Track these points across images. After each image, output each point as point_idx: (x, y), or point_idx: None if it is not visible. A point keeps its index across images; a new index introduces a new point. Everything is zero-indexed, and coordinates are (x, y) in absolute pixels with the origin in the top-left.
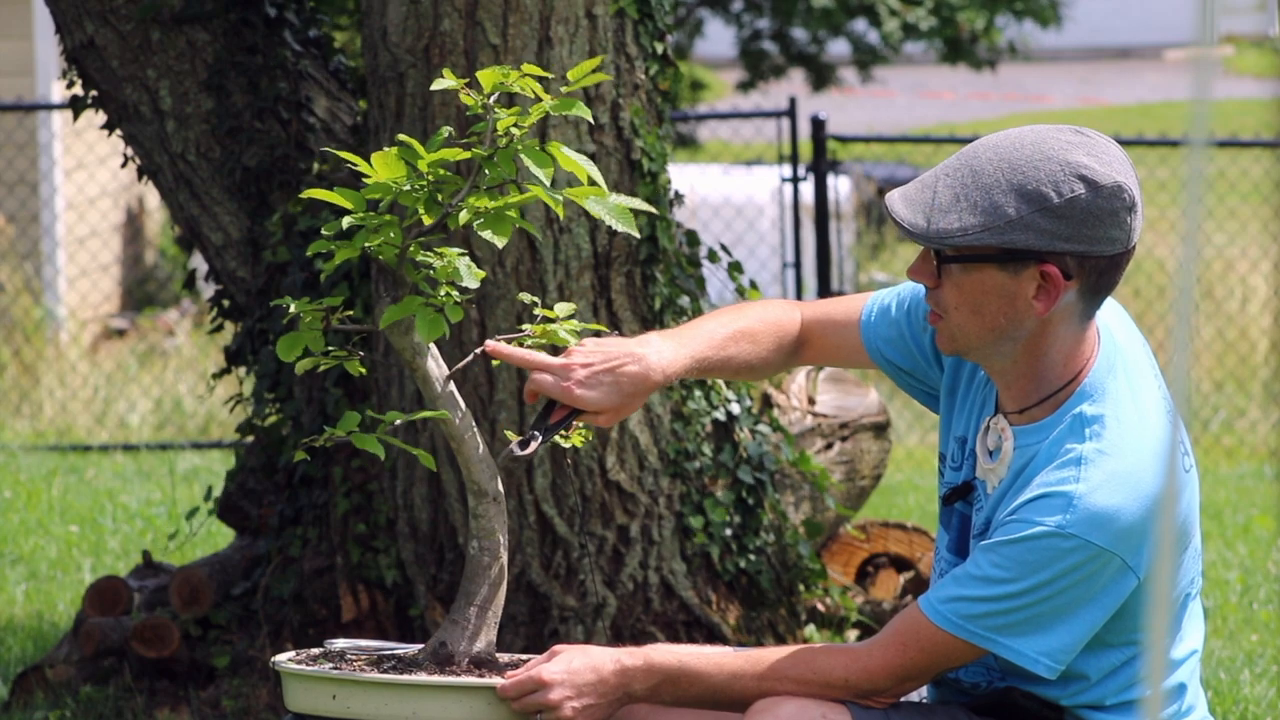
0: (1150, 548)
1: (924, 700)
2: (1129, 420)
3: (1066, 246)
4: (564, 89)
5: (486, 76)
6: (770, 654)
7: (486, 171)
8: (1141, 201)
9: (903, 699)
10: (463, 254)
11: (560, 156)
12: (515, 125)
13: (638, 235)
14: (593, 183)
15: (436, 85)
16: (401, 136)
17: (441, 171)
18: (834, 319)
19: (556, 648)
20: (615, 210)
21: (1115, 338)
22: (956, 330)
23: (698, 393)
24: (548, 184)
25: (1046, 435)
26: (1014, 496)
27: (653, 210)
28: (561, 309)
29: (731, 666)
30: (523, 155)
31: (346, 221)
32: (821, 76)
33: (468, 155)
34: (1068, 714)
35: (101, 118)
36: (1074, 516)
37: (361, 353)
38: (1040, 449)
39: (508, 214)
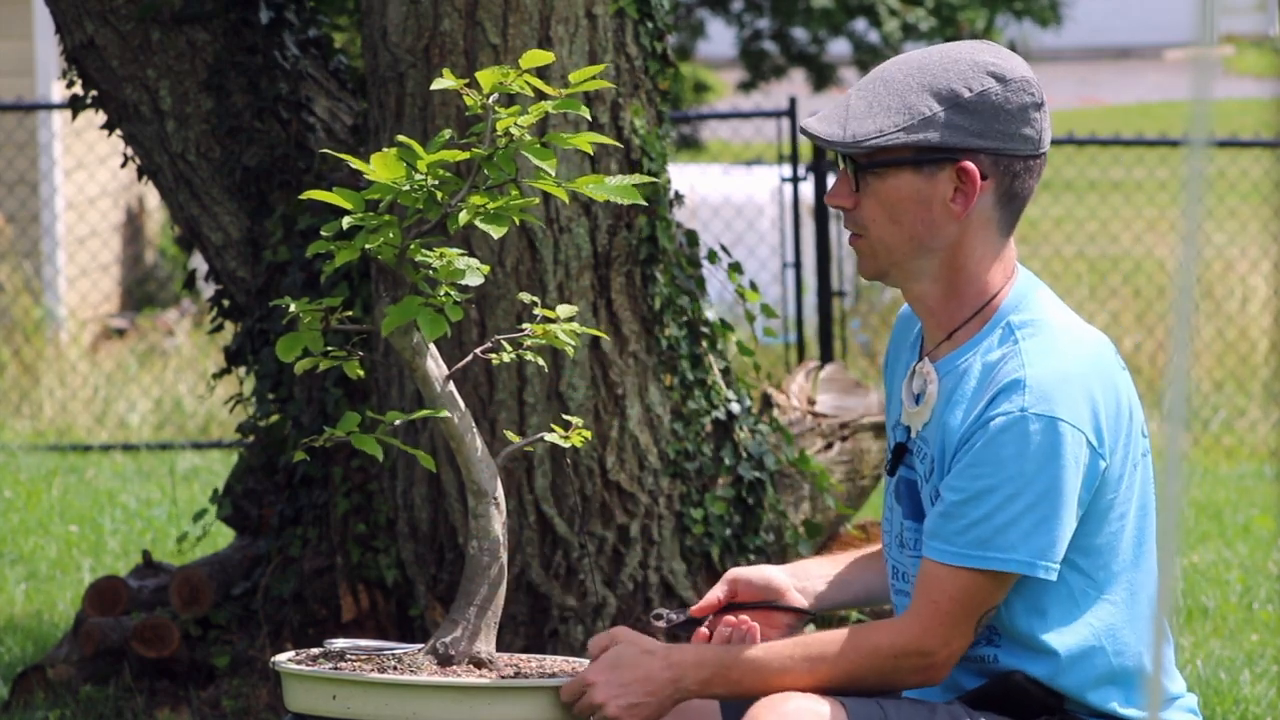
0: (1105, 429)
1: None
2: (1058, 319)
3: (980, 143)
4: (565, 91)
5: (485, 77)
6: (819, 638)
7: (486, 172)
8: (1047, 104)
9: (906, 694)
10: (463, 254)
11: (562, 140)
12: (515, 125)
13: (645, 202)
14: (595, 163)
15: (436, 85)
16: (400, 138)
17: (441, 172)
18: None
19: (617, 634)
20: (617, 190)
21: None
22: (878, 244)
23: (697, 392)
24: (552, 174)
25: (976, 348)
26: (953, 411)
27: (654, 179)
28: (563, 310)
29: (783, 652)
30: (524, 151)
31: (346, 222)
32: (822, 76)
33: (467, 156)
34: (1068, 701)
35: (101, 118)
36: (1030, 400)
37: (361, 353)
38: (972, 363)
39: (507, 213)
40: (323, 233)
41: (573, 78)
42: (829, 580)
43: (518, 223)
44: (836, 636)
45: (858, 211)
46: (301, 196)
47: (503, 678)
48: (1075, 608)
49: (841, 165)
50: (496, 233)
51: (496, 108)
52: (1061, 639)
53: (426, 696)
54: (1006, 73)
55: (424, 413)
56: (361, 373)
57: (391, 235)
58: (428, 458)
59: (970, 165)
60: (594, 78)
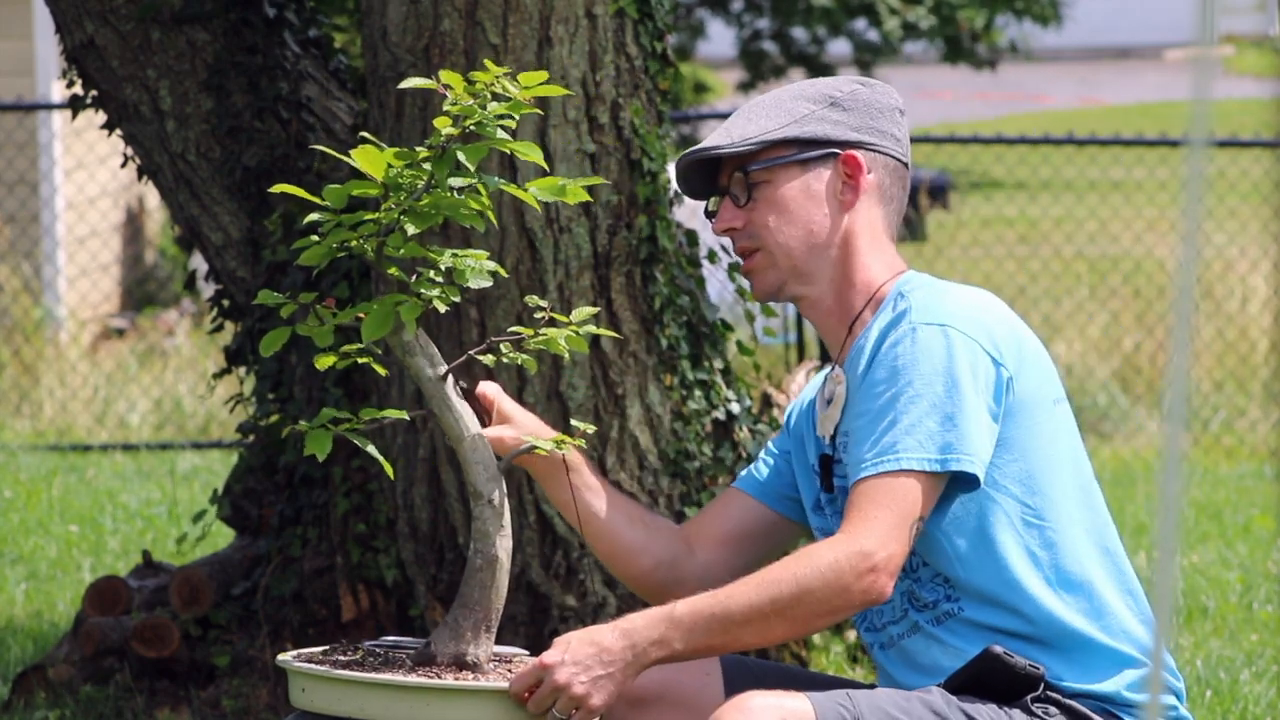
0: (1001, 344)
1: (875, 685)
2: (945, 283)
3: (857, 137)
4: (520, 93)
5: (454, 78)
6: (764, 569)
7: (433, 172)
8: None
9: (883, 689)
10: (464, 254)
11: (517, 147)
12: (452, 125)
13: (589, 199)
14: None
15: (405, 84)
16: (365, 135)
17: (425, 169)
18: (712, 510)
19: (558, 638)
20: (559, 190)
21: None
22: (776, 250)
23: (698, 392)
24: (473, 170)
25: (871, 328)
26: (856, 373)
27: (604, 181)
28: (579, 314)
29: (727, 588)
30: (459, 153)
31: (315, 217)
32: (821, 77)
33: (425, 154)
34: (1056, 648)
35: (101, 118)
36: (917, 317)
37: (379, 351)
38: (869, 338)
39: (437, 210)
40: (321, 231)
41: (523, 79)
42: (596, 475)
43: (455, 218)
44: (781, 560)
45: (750, 226)
46: (272, 190)
47: (457, 679)
48: (1018, 536)
49: (722, 193)
50: (414, 229)
51: (448, 107)
52: (1011, 569)
53: (373, 693)
54: (870, 80)
55: (389, 412)
56: (384, 370)
57: (367, 233)
58: (387, 464)
59: (855, 154)
60: (596, 79)
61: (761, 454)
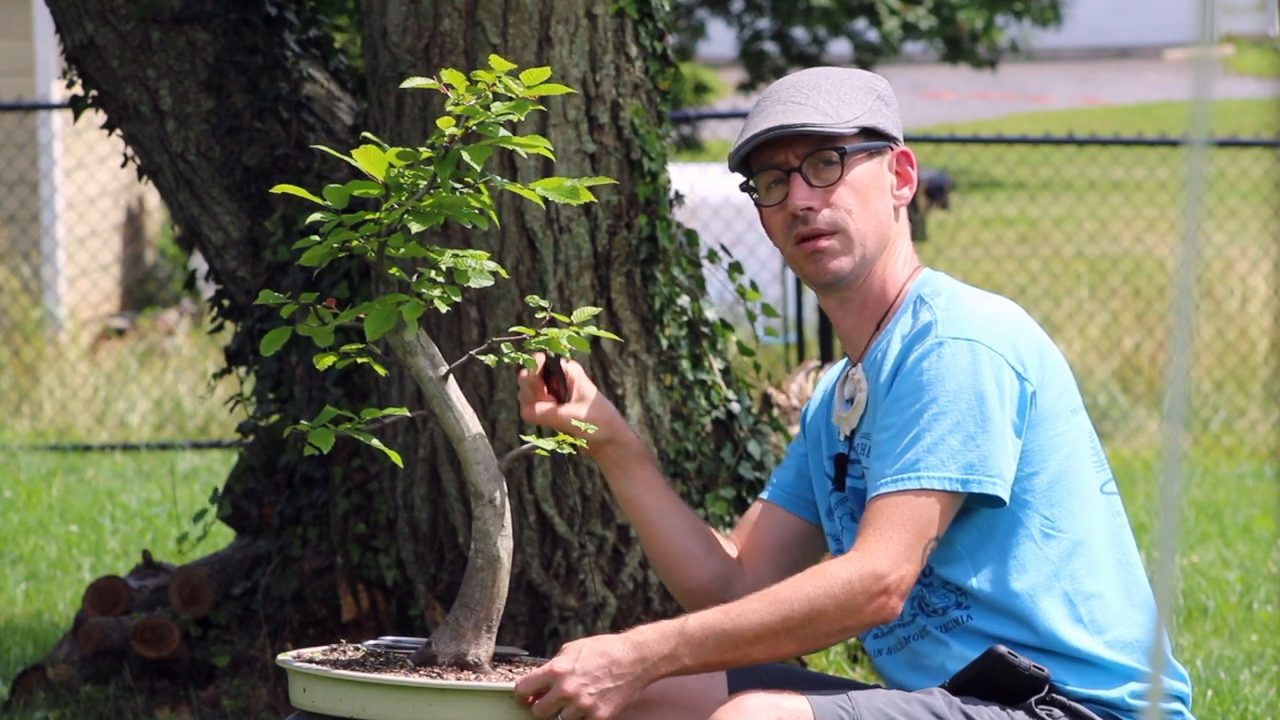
0: (1026, 358)
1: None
2: (965, 288)
3: (897, 133)
4: (521, 92)
5: (456, 77)
6: (775, 586)
7: (435, 172)
8: None
9: (884, 686)
10: (489, 256)
11: (522, 142)
12: (456, 126)
13: (594, 199)
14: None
15: (407, 84)
16: (367, 135)
17: (425, 169)
18: (746, 523)
19: (568, 644)
20: (564, 190)
21: None
22: (856, 236)
23: (697, 392)
24: (478, 169)
25: (893, 331)
26: (878, 382)
27: (612, 181)
28: (580, 315)
29: (739, 605)
30: (463, 153)
31: (317, 217)
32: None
33: (427, 155)
34: (1061, 657)
35: (101, 118)
36: (944, 330)
37: (379, 351)
38: (891, 343)
39: (441, 210)
40: (322, 231)
41: (525, 77)
42: (657, 475)
43: (457, 217)
44: (793, 578)
45: (828, 208)
46: (274, 190)
47: (458, 679)
48: (1035, 548)
49: (786, 170)
50: (418, 228)
51: (450, 107)
52: (1024, 579)
53: (375, 693)
54: (877, 76)
55: (391, 410)
56: (384, 370)
57: (369, 232)
58: (396, 455)
59: (908, 150)
60: (596, 79)
61: (784, 461)
